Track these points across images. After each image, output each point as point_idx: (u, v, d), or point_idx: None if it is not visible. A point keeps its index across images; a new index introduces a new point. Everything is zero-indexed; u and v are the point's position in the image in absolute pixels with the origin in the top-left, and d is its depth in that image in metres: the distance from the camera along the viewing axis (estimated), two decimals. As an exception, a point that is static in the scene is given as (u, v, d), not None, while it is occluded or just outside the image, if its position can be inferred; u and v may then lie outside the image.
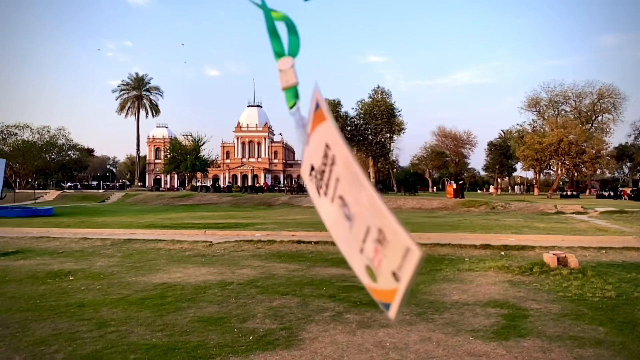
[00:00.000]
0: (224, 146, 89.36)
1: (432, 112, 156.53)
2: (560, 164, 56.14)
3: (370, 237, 0.65)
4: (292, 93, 0.78)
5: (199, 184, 64.29)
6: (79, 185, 63.91)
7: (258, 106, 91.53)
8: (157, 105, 68.23)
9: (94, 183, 74.42)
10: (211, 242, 10.84)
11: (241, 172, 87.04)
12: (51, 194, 43.39)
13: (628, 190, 45.00)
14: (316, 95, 0.71)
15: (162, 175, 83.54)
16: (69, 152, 65.34)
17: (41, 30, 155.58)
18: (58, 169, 64.63)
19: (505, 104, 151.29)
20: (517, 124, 71.70)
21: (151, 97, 67.52)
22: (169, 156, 57.73)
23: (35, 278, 7.16)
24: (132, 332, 4.45)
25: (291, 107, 0.78)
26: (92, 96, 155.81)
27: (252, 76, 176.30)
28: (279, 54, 0.79)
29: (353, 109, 58.44)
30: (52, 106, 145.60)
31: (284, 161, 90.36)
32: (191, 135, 58.64)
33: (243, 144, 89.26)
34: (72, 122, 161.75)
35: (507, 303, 5.53)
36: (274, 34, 0.80)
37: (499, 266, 7.52)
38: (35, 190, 43.43)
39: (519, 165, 69.33)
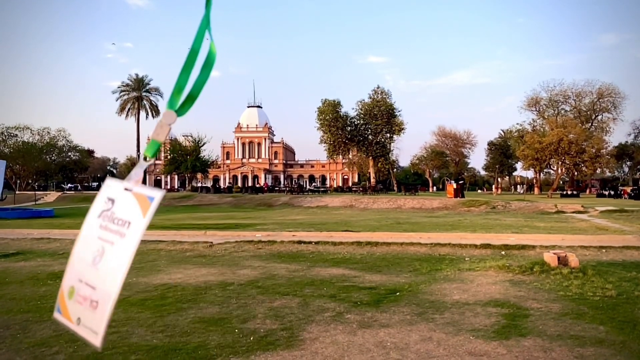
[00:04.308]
0: (224, 147, 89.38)
1: (432, 112, 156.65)
2: (560, 163, 56.12)
3: (91, 290, 0.76)
4: (156, 148, 0.82)
5: (199, 184, 64.27)
6: (79, 187, 63.86)
7: (258, 107, 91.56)
8: (157, 106, 68.14)
9: (95, 184, 74.37)
10: (212, 242, 10.83)
11: (241, 173, 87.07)
12: (51, 196, 43.41)
13: (628, 189, 45.01)
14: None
15: (163, 176, 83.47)
16: (69, 154, 65.37)
17: (41, 32, 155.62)
18: (58, 170, 64.64)
19: (505, 104, 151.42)
20: (517, 124, 71.76)
21: (151, 98, 67.46)
22: (169, 157, 57.75)
23: (36, 279, 7.16)
24: (132, 333, 4.45)
25: (147, 158, 0.83)
26: (92, 97, 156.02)
27: (252, 77, 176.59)
28: (171, 105, 0.82)
29: (353, 109, 58.57)
30: (52, 108, 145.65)
31: (284, 161, 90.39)
32: (191, 136, 58.68)
33: (243, 144, 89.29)
34: (72, 123, 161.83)
35: (508, 302, 5.53)
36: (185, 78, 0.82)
37: (500, 266, 7.52)
38: (36, 192, 43.44)
39: (519, 165, 69.39)
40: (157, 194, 0.78)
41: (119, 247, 0.76)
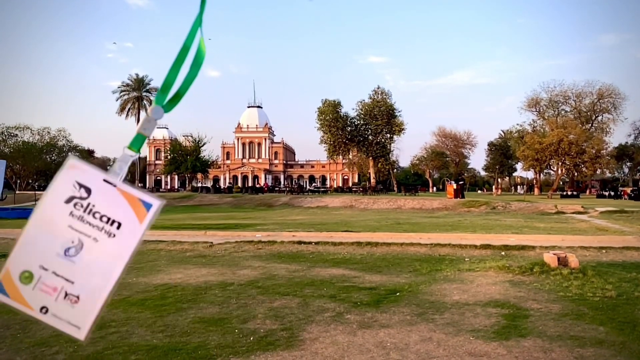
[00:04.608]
0: (224, 147, 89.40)
1: (432, 112, 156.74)
2: (560, 164, 56.17)
3: (66, 283, 0.71)
4: (142, 142, 0.79)
5: (199, 184, 64.33)
6: (79, 187, 63.78)
7: (258, 107, 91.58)
8: (157, 106, 68.18)
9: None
10: (212, 242, 10.84)
11: (241, 173, 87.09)
12: (51, 195, 43.33)
13: (628, 190, 45.04)
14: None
15: (163, 176, 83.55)
16: (69, 154, 65.35)
17: (41, 32, 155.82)
18: (58, 170, 64.68)
19: (505, 104, 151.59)
20: (517, 124, 71.90)
21: (151, 98, 66.80)
22: (169, 157, 57.84)
23: (36, 279, 7.15)
24: (133, 333, 4.46)
25: (135, 151, 0.79)
26: (92, 97, 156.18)
27: (252, 77, 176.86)
28: (159, 101, 0.81)
29: (353, 109, 58.68)
30: (52, 107, 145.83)
31: (284, 162, 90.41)
32: (191, 136, 58.80)
33: (243, 144, 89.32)
34: (72, 123, 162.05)
35: (508, 303, 5.53)
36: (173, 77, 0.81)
37: (500, 266, 7.52)
38: (36, 192, 43.45)
39: (519, 165, 69.43)
40: (156, 203, 0.72)
41: (107, 247, 0.71)
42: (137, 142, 0.78)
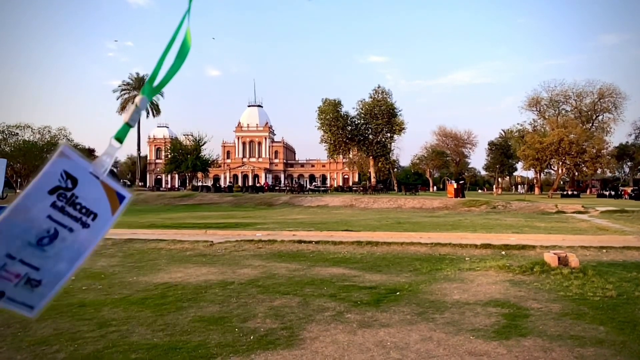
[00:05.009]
0: (224, 146, 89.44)
1: (433, 111, 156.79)
2: (560, 163, 56.05)
3: (31, 270, 0.70)
4: (127, 132, 0.78)
5: (199, 183, 64.35)
6: (79, 185, 63.84)
7: (259, 106, 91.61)
8: (157, 105, 68.27)
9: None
10: (212, 241, 10.84)
11: (242, 172, 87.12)
12: (52, 194, 43.38)
13: (629, 190, 45.02)
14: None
15: (163, 175, 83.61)
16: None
17: (42, 31, 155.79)
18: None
19: (505, 104, 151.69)
20: (518, 124, 71.79)
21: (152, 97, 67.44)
22: (169, 156, 57.84)
23: (36, 278, 7.15)
24: (133, 332, 4.46)
25: (120, 141, 0.77)
26: (92, 96, 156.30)
27: (253, 76, 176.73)
28: (145, 91, 0.80)
29: (354, 108, 58.53)
30: (53, 107, 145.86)
31: (284, 161, 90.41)
32: (192, 135, 58.79)
33: (244, 143, 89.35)
34: (72, 122, 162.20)
35: (508, 302, 5.53)
36: (161, 64, 0.81)
37: (500, 265, 7.52)
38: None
39: (519, 165, 69.39)
40: (128, 195, 0.75)
41: (79, 236, 0.72)
42: (123, 133, 0.78)
